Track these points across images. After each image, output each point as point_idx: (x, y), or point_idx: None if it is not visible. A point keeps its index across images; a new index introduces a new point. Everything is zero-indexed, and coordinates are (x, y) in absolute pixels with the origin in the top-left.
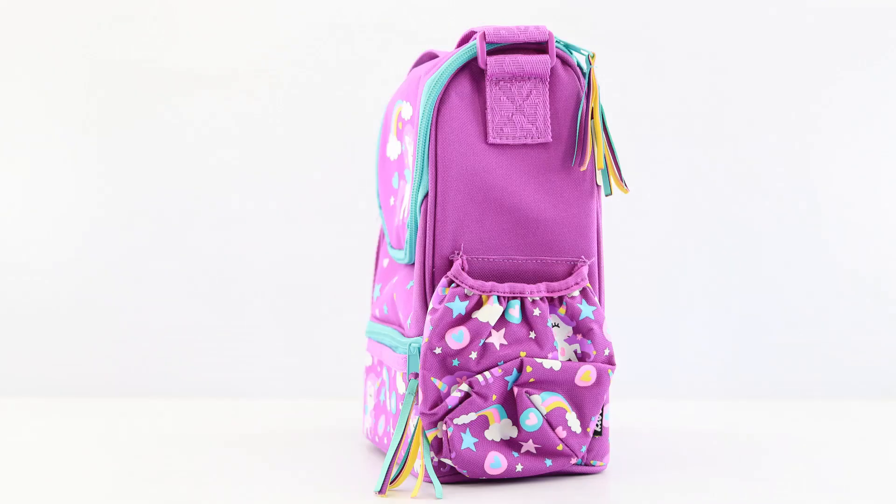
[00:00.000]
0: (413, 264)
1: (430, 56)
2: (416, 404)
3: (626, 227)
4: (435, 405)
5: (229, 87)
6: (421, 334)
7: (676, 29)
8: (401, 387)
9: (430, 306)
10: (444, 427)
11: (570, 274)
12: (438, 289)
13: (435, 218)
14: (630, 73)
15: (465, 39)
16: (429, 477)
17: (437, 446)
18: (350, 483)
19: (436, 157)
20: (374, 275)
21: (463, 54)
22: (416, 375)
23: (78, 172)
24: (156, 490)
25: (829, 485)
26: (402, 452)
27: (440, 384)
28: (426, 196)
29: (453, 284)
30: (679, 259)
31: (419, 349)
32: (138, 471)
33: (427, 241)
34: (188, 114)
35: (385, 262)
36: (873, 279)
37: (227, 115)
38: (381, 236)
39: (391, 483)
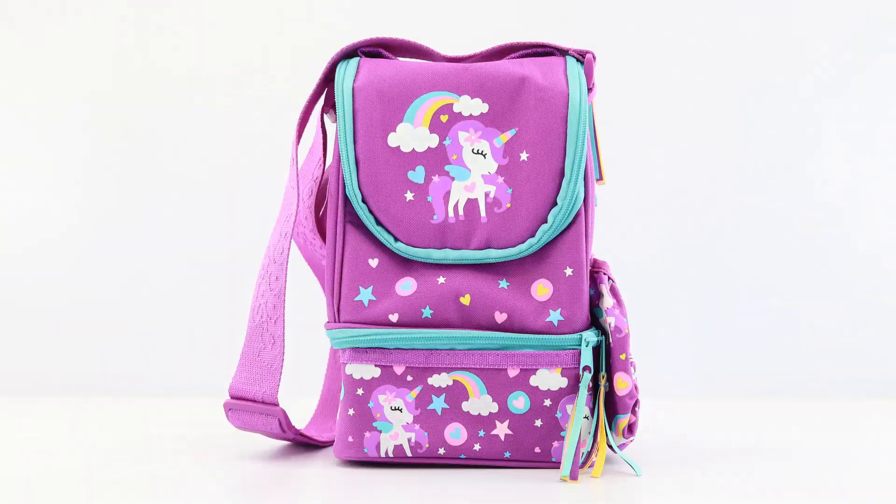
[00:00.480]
0: (497, 262)
1: (376, 43)
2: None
3: (620, 226)
4: (635, 389)
5: (230, 89)
6: (584, 328)
7: (669, 28)
8: (547, 382)
9: (612, 301)
10: (637, 408)
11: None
12: (606, 286)
13: (592, 220)
14: (612, 72)
15: (507, 50)
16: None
17: (629, 428)
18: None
19: (587, 165)
20: (347, 278)
21: (580, 71)
22: (589, 369)
23: (78, 173)
24: (155, 490)
25: (829, 485)
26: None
27: None
28: (584, 199)
29: (610, 280)
30: (676, 257)
31: (594, 342)
32: (137, 471)
33: (588, 240)
34: (189, 116)
35: (374, 262)
36: (874, 278)
37: (228, 117)
38: (343, 238)
39: (581, 467)
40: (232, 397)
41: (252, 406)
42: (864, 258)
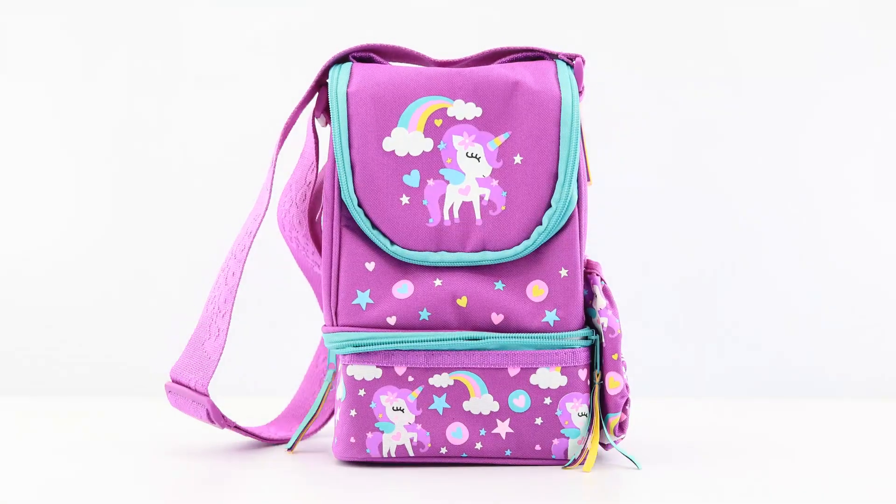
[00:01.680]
0: (488, 264)
1: (368, 49)
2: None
3: (610, 227)
4: (626, 389)
5: (224, 91)
6: (579, 327)
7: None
8: (547, 381)
9: (605, 301)
10: (628, 407)
11: None
12: (599, 287)
13: (585, 221)
14: (617, 72)
15: (497, 55)
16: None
17: (620, 427)
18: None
19: (580, 168)
20: (344, 281)
21: (571, 75)
22: (588, 366)
23: (78, 175)
24: (154, 490)
25: (825, 486)
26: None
27: None
28: (578, 201)
29: (602, 281)
30: (672, 255)
31: (596, 340)
32: (136, 472)
33: (582, 241)
34: (179, 117)
35: (371, 265)
36: (873, 278)
37: (221, 119)
38: (340, 242)
39: (574, 463)
40: (172, 380)
41: (186, 392)
42: (865, 257)
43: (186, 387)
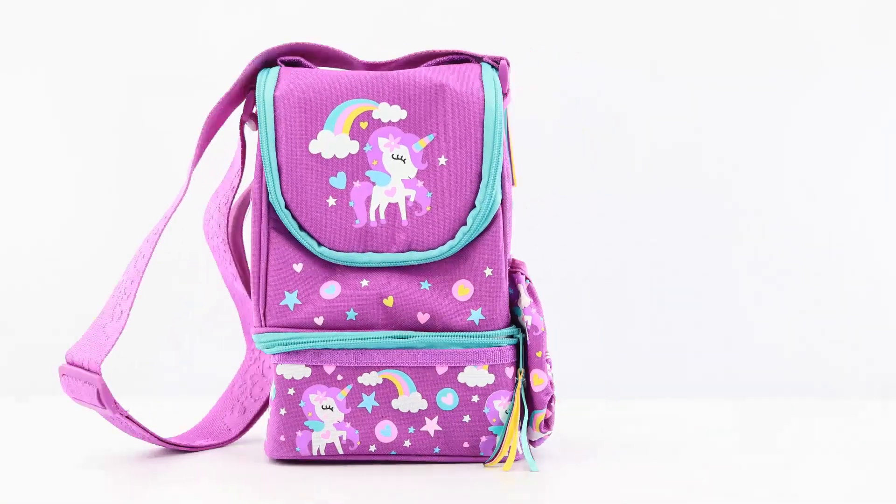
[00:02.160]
0: (417, 264)
1: (293, 49)
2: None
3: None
4: (551, 386)
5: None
6: (505, 326)
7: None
8: (475, 379)
9: (529, 300)
10: (553, 404)
11: None
12: (523, 286)
13: (509, 221)
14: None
15: (424, 58)
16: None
17: (546, 423)
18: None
19: (503, 168)
20: (272, 283)
21: (495, 77)
22: (515, 364)
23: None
24: (153, 489)
25: (824, 485)
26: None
27: None
28: (501, 202)
29: (527, 280)
30: (592, 257)
31: (522, 339)
32: (135, 472)
33: (507, 241)
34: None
35: (299, 267)
36: (871, 277)
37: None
38: (268, 244)
39: (494, 459)
40: (66, 362)
41: (78, 372)
42: (863, 256)
43: (79, 366)
